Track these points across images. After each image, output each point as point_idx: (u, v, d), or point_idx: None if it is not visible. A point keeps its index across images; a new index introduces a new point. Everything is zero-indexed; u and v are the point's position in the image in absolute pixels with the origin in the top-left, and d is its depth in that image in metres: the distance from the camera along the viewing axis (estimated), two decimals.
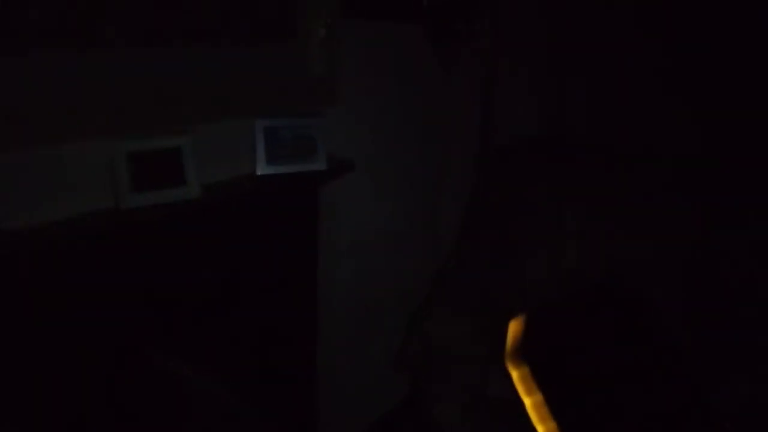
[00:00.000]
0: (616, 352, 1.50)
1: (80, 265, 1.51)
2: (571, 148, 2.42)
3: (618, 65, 2.38)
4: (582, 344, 1.50)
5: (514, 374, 1.50)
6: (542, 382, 1.48)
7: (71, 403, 1.55)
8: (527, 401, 1.51)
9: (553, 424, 1.48)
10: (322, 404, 2.20)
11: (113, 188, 1.54)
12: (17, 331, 1.43)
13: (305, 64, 1.98)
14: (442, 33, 2.33)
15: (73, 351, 1.52)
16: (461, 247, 2.38)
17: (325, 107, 2.03)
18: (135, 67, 1.55)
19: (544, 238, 2.27)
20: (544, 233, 2.28)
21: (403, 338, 2.31)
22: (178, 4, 1.60)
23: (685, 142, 2.29)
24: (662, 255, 2.02)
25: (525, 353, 1.53)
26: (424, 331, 2.23)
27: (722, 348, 1.66)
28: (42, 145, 1.39)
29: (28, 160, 1.37)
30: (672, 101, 2.31)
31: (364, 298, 2.27)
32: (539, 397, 1.51)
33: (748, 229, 2.22)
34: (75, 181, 1.48)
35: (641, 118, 2.35)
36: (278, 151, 1.90)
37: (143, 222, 1.57)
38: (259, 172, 1.87)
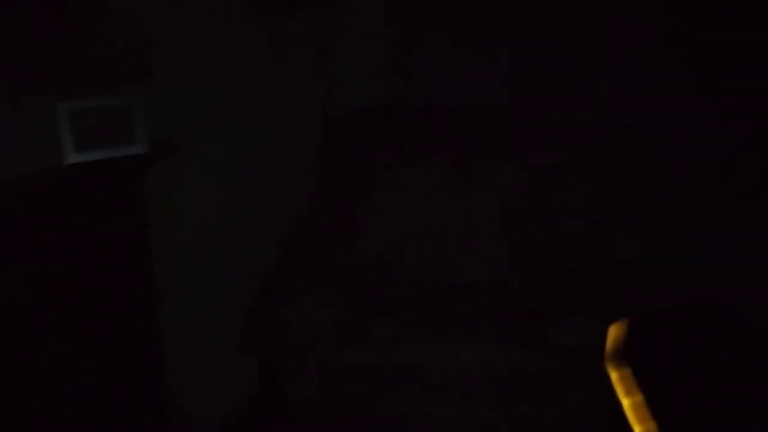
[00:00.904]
0: (716, 358, 1.49)
1: None
2: (414, 113, 2.39)
3: (455, 25, 2.35)
4: (685, 350, 1.50)
5: (614, 375, 1.49)
6: (644, 383, 1.45)
7: None
8: (626, 401, 1.50)
9: (653, 424, 1.45)
10: (173, 403, 2.07)
11: None
12: None
13: (115, 39, 1.80)
14: None
15: None
16: (310, 220, 2.30)
17: (141, 84, 1.86)
18: None
19: (389, 204, 2.25)
20: (390, 199, 2.26)
21: (251, 318, 2.22)
22: None
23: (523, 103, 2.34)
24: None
25: (627, 355, 1.49)
26: (273, 308, 2.14)
27: None
28: None
29: None
30: (504, 58, 2.33)
31: (212, 284, 2.15)
32: (640, 397, 1.48)
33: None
34: None
35: (482, 78, 2.35)
36: (89, 136, 1.72)
37: None
38: (68, 162, 1.68)
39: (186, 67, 2.04)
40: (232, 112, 2.14)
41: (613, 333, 1.58)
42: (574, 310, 1.89)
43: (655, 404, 1.46)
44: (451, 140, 2.32)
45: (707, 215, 2.27)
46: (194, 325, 2.12)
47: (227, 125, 2.13)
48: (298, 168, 2.30)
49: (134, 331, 1.95)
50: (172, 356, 2.05)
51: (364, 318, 2.06)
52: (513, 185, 2.26)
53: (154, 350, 2.01)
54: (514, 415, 1.90)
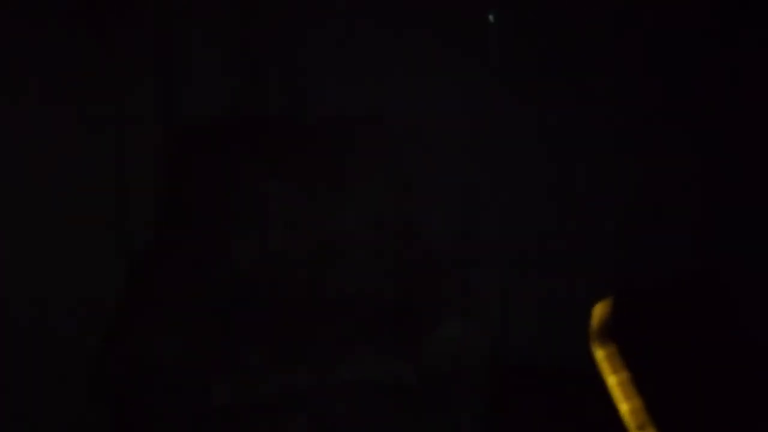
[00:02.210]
0: (703, 338, 1.49)
1: None
2: (269, 125, 2.24)
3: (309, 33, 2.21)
4: (671, 327, 1.48)
5: (599, 353, 1.47)
6: (630, 361, 1.42)
7: None
8: (612, 379, 1.46)
9: (638, 402, 1.40)
10: None
11: None
12: None
13: None
14: None
15: None
16: (159, 242, 2.08)
17: None
18: None
19: (248, 221, 2.09)
20: (249, 216, 2.09)
21: (99, 360, 1.97)
22: None
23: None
24: None
25: (612, 333, 1.48)
26: (125, 348, 1.90)
27: None
28: None
29: None
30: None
31: (44, 326, 1.89)
32: (626, 375, 1.42)
33: None
34: None
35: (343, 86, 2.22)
36: None
37: None
38: None
39: None
40: (52, 128, 1.92)
41: (599, 310, 1.52)
42: (445, 316, 1.83)
43: (641, 381, 1.41)
44: (314, 151, 2.20)
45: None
46: (26, 376, 1.86)
47: (50, 139, 1.90)
48: (139, 187, 2.08)
49: None
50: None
51: (230, 349, 1.88)
52: (381, 194, 2.16)
53: None
54: (398, 429, 1.80)
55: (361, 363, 1.79)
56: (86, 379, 1.96)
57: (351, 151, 2.17)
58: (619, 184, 2.31)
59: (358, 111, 2.25)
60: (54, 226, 1.93)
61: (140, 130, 2.09)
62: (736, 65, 2.21)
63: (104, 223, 2.03)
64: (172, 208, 2.13)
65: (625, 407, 1.49)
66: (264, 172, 2.12)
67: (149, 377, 1.85)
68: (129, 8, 2.03)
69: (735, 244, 2.18)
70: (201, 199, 2.11)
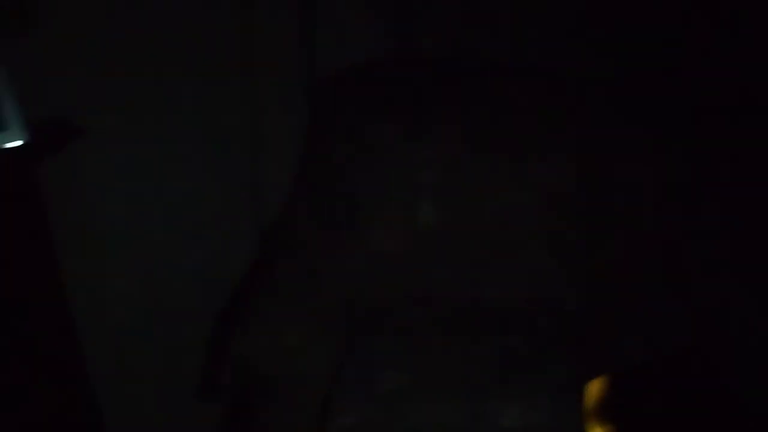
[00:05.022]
0: (701, 417, 1.38)
1: None
2: (425, 74, 1.77)
3: None
4: (669, 407, 1.38)
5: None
6: None
7: None
8: None
9: None
10: None
11: None
12: None
13: None
14: None
15: None
16: (287, 220, 1.74)
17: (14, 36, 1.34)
18: None
19: (393, 194, 1.66)
20: (394, 187, 1.66)
21: (212, 355, 1.70)
22: None
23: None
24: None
25: (610, 412, 1.42)
26: (241, 342, 1.61)
27: None
28: None
29: None
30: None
31: (154, 309, 1.64)
32: None
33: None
34: None
35: (520, 27, 1.70)
36: None
37: None
38: None
39: (84, 18, 1.51)
40: (172, 78, 1.60)
41: (594, 387, 1.44)
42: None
43: None
44: (474, 106, 1.70)
45: None
46: (129, 368, 1.63)
47: (158, 94, 1.59)
48: (269, 148, 1.73)
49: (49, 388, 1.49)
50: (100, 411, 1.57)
51: (367, 357, 1.50)
52: (560, 170, 1.66)
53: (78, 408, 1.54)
54: None
55: (534, 404, 1.36)
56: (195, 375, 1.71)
57: (531, 110, 1.67)
58: None
59: (536, 64, 1.74)
60: (183, 193, 1.65)
61: (275, 82, 1.72)
62: None
63: (238, 196, 1.71)
64: (306, 177, 1.77)
65: None
66: (414, 131, 1.67)
67: (262, 378, 1.53)
68: None
69: None
70: (339, 168, 1.73)
